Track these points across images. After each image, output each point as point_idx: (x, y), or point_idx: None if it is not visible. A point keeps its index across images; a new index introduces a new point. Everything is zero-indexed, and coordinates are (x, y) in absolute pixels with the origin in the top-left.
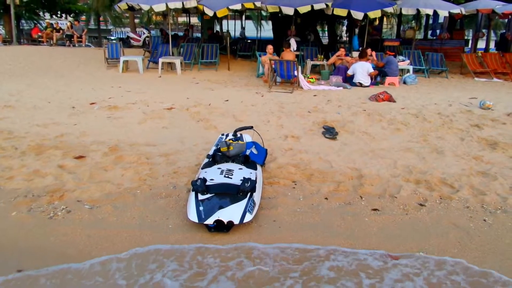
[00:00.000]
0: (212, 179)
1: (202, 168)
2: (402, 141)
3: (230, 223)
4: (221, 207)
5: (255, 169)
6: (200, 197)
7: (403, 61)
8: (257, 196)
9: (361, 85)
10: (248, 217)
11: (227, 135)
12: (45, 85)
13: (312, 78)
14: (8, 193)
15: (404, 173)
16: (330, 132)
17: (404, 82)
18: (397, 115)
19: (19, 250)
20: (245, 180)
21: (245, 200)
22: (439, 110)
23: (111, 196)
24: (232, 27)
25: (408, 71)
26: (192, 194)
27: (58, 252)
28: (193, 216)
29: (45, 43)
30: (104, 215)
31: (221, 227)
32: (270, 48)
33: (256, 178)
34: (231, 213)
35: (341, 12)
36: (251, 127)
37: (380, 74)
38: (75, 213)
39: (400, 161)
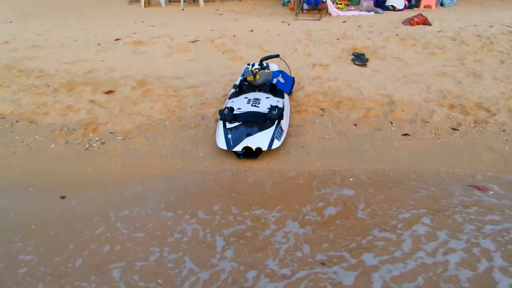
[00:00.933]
0: (239, 108)
1: (229, 98)
2: (437, 65)
3: (259, 150)
4: (249, 135)
5: (282, 97)
6: (228, 125)
7: None
8: (284, 123)
9: (394, 8)
10: (276, 144)
11: (253, 65)
12: (69, 24)
13: (341, 4)
14: (45, 127)
15: (438, 98)
16: (360, 59)
17: (442, 4)
18: (433, 38)
19: (60, 178)
20: (272, 108)
21: (273, 128)
22: (478, 32)
23: (142, 127)
24: None
25: None
26: (220, 123)
27: (96, 179)
28: (222, 144)
29: None
30: (136, 146)
31: (250, 154)
32: None
33: (283, 106)
34: (259, 140)
35: None
36: (278, 56)
37: None
38: (109, 144)
39: (434, 85)
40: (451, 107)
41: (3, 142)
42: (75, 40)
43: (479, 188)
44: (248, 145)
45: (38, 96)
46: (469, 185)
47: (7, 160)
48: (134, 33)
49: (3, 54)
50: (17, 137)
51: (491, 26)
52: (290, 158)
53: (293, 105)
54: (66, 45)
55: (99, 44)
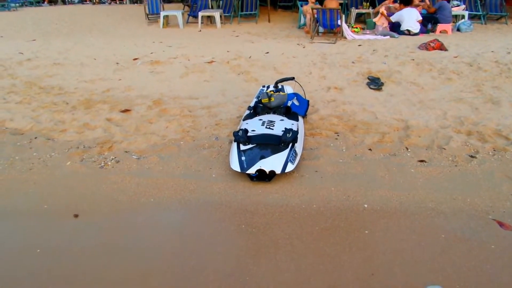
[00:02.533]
0: (253, 130)
1: (243, 120)
2: (453, 91)
3: (272, 173)
4: (262, 157)
5: (297, 120)
6: (242, 147)
7: (458, 6)
8: (298, 146)
9: (409, 32)
10: (290, 167)
11: (268, 87)
12: (90, 42)
13: (356, 28)
14: (62, 144)
15: (455, 124)
16: (375, 83)
17: (458, 29)
18: (449, 64)
19: (74, 196)
20: (286, 130)
21: (287, 151)
22: (496, 58)
23: (157, 147)
24: None
25: (462, 17)
26: (234, 144)
27: (110, 198)
28: (235, 166)
29: (88, 2)
30: (150, 165)
31: (263, 177)
32: None
33: (297, 128)
34: (273, 162)
35: None
36: (293, 78)
37: (431, 21)
38: (123, 163)
39: (450, 112)
40: (469, 134)
41: (21, 158)
42: (95, 59)
43: (501, 225)
44: (261, 168)
45: (56, 113)
46: (493, 219)
47: (23, 176)
48: (151, 53)
49: (25, 71)
50: (34, 154)
51: (509, 53)
52: (304, 182)
53: (307, 128)
54: (86, 63)
55: (117, 63)
